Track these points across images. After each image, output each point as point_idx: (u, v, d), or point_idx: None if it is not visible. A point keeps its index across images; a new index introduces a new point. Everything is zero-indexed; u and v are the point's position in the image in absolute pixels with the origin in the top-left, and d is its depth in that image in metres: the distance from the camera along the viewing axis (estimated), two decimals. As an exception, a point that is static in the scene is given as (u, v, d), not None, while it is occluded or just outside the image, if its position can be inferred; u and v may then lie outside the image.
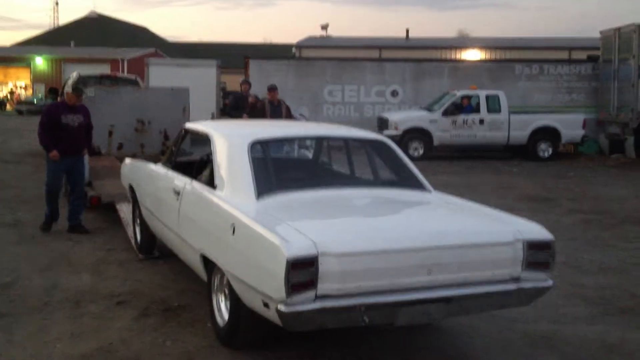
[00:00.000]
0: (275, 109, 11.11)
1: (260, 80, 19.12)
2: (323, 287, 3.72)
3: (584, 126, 18.16)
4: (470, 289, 4.07)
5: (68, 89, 8.07)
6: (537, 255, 4.23)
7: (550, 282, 4.34)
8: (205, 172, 5.31)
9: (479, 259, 4.11)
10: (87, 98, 10.82)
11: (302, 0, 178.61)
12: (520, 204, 10.76)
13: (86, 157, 8.40)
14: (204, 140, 5.56)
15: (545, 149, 18.01)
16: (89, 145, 8.35)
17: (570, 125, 18.08)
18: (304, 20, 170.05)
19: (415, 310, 3.99)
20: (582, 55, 28.29)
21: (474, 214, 4.84)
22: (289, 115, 11.47)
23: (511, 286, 4.19)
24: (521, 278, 4.21)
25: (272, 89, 11.48)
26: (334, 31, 58.37)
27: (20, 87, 53.74)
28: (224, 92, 26.40)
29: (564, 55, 37.23)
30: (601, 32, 20.17)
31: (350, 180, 5.66)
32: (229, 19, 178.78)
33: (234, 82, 15.48)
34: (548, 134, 18.03)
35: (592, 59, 21.67)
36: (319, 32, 51.06)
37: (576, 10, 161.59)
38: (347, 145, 5.80)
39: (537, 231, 4.37)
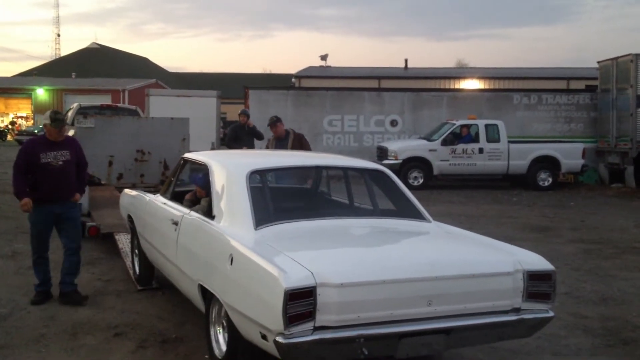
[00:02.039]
0: (282, 144, 9.70)
1: (260, 109, 19.25)
2: (321, 318, 3.68)
3: (583, 155, 18.20)
4: (470, 320, 4.03)
5: (46, 120, 6.10)
6: (538, 285, 4.20)
7: (551, 313, 4.30)
8: (204, 203, 5.29)
9: (479, 290, 4.07)
10: (87, 128, 10.87)
11: (301, 32, 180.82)
12: (521, 233, 10.72)
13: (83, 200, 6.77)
14: (202, 170, 5.55)
15: (545, 179, 18.04)
16: (81, 188, 6.53)
17: (570, 155, 18.13)
18: (303, 51, 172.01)
19: (416, 342, 3.93)
20: (580, 85, 28.53)
21: (474, 244, 4.81)
22: (303, 145, 9.68)
23: (512, 317, 4.15)
24: (522, 309, 4.17)
25: (273, 123, 9.81)
26: (333, 61, 58.77)
27: (21, 118, 54.05)
28: (223, 123, 26.52)
29: (562, 85, 37.49)
30: (599, 63, 20.30)
31: (349, 210, 5.63)
32: (229, 50, 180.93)
33: (234, 113, 15.56)
34: (548, 163, 18.09)
35: (590, 89, 21.78)
36: (318, 63, 51.42)
37: (571, 42, 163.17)
38: (345, 174, 5.78)
39: (537, 262, 4.34)
